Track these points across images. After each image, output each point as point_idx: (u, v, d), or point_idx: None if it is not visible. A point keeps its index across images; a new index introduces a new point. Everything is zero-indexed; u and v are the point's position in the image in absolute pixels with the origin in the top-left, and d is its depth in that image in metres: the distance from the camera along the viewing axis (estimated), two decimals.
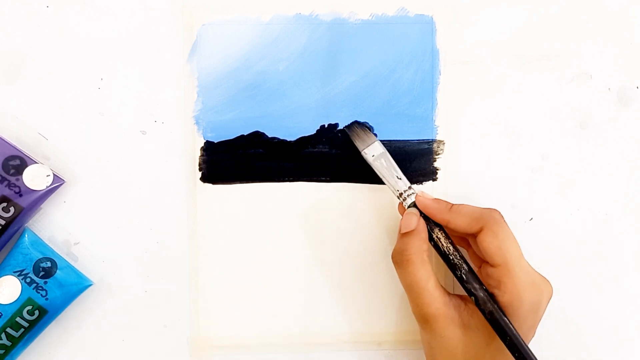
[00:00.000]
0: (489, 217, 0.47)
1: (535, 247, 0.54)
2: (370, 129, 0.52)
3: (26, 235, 0.50)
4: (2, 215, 0.49)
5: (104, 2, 0.52)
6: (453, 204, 0.48)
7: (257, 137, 0.52)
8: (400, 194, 0.49)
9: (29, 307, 0.49)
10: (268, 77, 0.52)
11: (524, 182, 0.54)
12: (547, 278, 0.48)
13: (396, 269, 0.48)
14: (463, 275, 0.47)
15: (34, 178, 0.50)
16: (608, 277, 0.54)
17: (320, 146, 0.53)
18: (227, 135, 0.52)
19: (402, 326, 0.53)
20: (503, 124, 0.53)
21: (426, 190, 0.53)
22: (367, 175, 0.53)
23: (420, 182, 0.53)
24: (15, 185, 0.49)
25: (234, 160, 0.52)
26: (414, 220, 0.48)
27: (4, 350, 0.49)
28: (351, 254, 0.53)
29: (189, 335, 0.52)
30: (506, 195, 0.53)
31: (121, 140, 0.52)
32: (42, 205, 0.51)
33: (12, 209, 0.49)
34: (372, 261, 0.53)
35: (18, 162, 0.50)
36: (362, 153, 0.50)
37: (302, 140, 0.53)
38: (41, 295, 0.49)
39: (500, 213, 0.48)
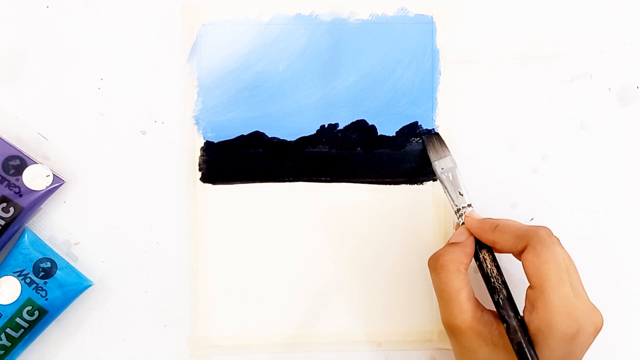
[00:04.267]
0: (534, 235, 0.45)
1: None
2: (445, 143, 0.52)
3: (26, 236, 0.50)
4: (2, 215, 0.49)
5: (104, 2, 0.52)
6: (499, 223, 0.47)
7: (257, 137, 0.52)
8: (458, 210, 0.49)
9: (29, 308, 0.49)
10: (268, 77, 0.52)
11: (524, 182, 0.54)
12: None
13: (431, 275, 0.47)
14: (500, 300, 0.46)
15: (33, 178, 0.50)
16: (608, 277, 0.54)
17: (320, 146, 0.53)
18: (227, 135, 0.52)
19: (402, 326, 0.53)
20: (503, 124, 0.53)
21: (426, 190, 0.53)
22: (367, 175, 0.53)
23: (420, 182, 0.53)
24: (15, 186, 0.49)
25: (234, 160, 0.52)
26: (464, 235, 0.48)
27: (3, 351, 0.49)
28: (351, 253, 0.53)
29: (189, 335, 0.52)
30: (506, 195, 0.53)
31: (121, 140, 0.52)
32: (42, 206, 0.51)
33: (12, 209, 0.49)
34: (373, 261, 0.53)
35: (18, 162, 0.50)
36: (433, 164, 0.51)
37: (302, 140, 0.53)
38: (41, 295, 0.49)
39: (549, 231, 0.46)
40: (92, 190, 0.52)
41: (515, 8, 0.53)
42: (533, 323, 0.44)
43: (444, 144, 0.51)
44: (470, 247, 0.48)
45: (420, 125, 0.53)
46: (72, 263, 0.51)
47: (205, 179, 0.52)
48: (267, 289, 0.53)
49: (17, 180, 0.49)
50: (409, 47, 0.53)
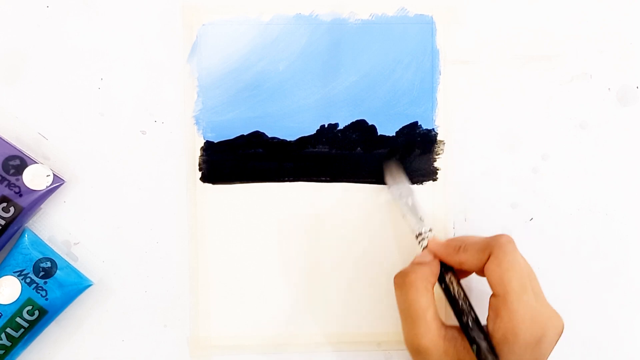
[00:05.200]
0: (495, 244, 0.45)
1: (535, 247, 0.54)
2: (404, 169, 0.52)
3: (26, 236, 0.50)
4: (2, 215, 0.49)
5: (104, 2, 0.52)
6: (462, 244, 0.47)
7: (257, 137, 0.52)
8: (419, 234, 0.49)
9: (29, 308, 0.49)
10: (268, 77, 0.52)
11: (524, 182, 0.54)
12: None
13: (396, 292, 0.47)
14: (469, 323, 0.46)
15: (34, 178, 0.50)
16: (608, 277, 0.54)
17: (320, 146, 0.53)
18: (227, 135, 0.52)
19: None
20: (503, 124, 0.53)
21: (426, 190, 0.53)
22: (367, 175, 0.53)
23: (420, 182, 0.53)
24: (15, 185, 0.49)
25: (234, 160, 0.52)
26: (429, 257, 0.48)
27: (3, 351, 0.49)
28: (351, 254, 0.53)
29: (189, 335, 0.52)
30: (506, 195, 0.53)
31: (121, 140, 0.52)
32: (42, 205, 0.51)
33: (12, 209, 0.49)
34: (372, 261, 0.53)
35: (18, 162, 0.50)
36: (390, 189, 0.51)
37: (302, 140, 0.53)
38: (41, 295, 0.49)
39: (508, 238, 0.46)
40: (92, 190, 0.52)
41: (515, 8, 0.53)
42: (498, 331, 0.44)
43: (402, 171, 0.52)
44: (436, 267, 0.47)
45: (420, 125, 0.53)
46: (72, 263, 0.51)
47: (205, 179, 0.52)
48: (267, 289, 0.53)
49: (17, 180, 0.50)
50: (409, 47, 0.53)
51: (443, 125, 0.53)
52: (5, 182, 0.49)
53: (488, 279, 0.45)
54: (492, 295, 0.45)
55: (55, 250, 0.51)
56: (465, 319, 0.46)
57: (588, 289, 0.54)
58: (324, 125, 0.53)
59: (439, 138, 0.53)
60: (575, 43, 0.53)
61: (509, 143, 0.53)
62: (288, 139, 0.52)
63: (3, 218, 0.49)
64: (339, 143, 0.53)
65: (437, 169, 0.53)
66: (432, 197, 0.53)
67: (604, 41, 0.54)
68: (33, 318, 0.49)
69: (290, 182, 0.53)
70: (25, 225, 0.51)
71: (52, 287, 0.50)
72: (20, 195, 0.49)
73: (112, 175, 0.52)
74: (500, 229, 0.53)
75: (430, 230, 0.49)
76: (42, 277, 0.50)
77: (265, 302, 0.53)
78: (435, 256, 0.48)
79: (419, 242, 0.49)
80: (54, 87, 0.52)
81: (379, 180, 0.53)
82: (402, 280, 0.46)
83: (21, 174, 0.50)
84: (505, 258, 0.45)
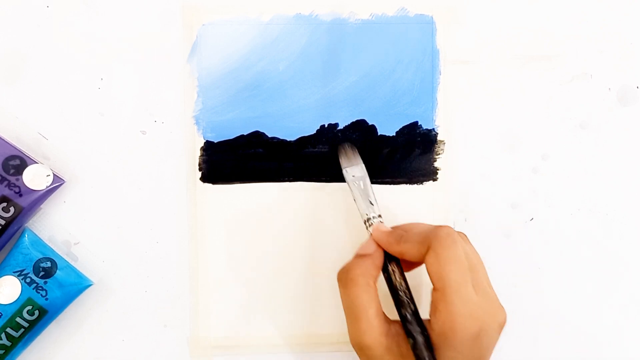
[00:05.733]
0: (434, 236, 0.44)
1: (535, 247, 0.54)
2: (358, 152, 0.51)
3: (26, 235, 0.50)
4: (2, 215, 0.49)
5: (104, 2, 0.52)
6: (404, 234, 0.46)
7: (257, 137, 0.52)
8: (368, 219, 0.48)
9: (29, 307, 0.49)
10: (268, 77, 0.52)
11: (524, 182, 0.54)
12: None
13: (339, 289, 0.46)
14: (407, 315, 0.45)
15: (34, 178, 0.50)
16: (608, 277, 0.54)
17: (320, 146, 0.53)
18: (227, 135, 0.52)
19: None
20: (503, 124, 0.53)
21: (426, 190, 0.53)
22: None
23: (420, 182, 0.53)
24: (15, 185, 0.49)
25: (234, 160, 0.52)
26: (373, 247, 0.47)
27: (3, 351, 0.49)
28: (351, 254, 0.53)
29: (189, 335, 0.52)
30: (506, 195, 0.53)
31: (121, 140, 0.52)
32: (42, 205, 0.51)
33: (12, 209, 0.49)
34: None
35: (18, 162, 0.50)
36: (344, 171, 0.50)
37: (302, 140, 0.53)
38: (41, 295, 0.49)
39: (449, 230, 0.45)
40: (92, 190, 0.52)
41: (515, 8, 0.53)
42: (436, 325, 0.43)
43: (357, 153, 0.51)
44: (379, 259, 0.46)
45: (421, 125, 0.53)
46: (72, 263, 0.51)
47: (205, 179, 0.52)
48: (267, 289, 0.53)
49: (17, 180, 0.49)
50: (409, 47, 0.53)
51: (443, 125, 0.53)
52: (5, 182, 0.49)
53: (428, 272, 0.44)
54: (433, 289, 0.44)
55: (55, 250, 0.51)
56: (404, 311, 0.45)
57: (588, 289, 0.54)
58: (324, 125, 0.53)
59: (439, 138, 0.53)
60: (575, 43, 0.53)
61: (509, 143, 0.53)
62: (288, 139, 0.52)
63: (3, 218, 0.49)
64: (339, 143, 0.53)
65: (437, 169, 0.53)
66: (432, 197, 0.53)
67: (604, 41, 0.54)
68: (33, 318, 0.49)
69: (290, 182, 0.53)
70: (25, 225, 0.51)
71: (52, 287, 0.50)
72: (20, 195, 0.49)
73: (112, 175, 0.52)
74: (500, 229, 0.53)
75: (379, 216, 0.48)
76: (42, 277, 0.50)
77: (265, 302, 0.53)
78: (378, 246, 0.47)
79: (367, 228, 0.48)
80: (54, 87, 0.52)
81: (379, 180, 0.53)
82: (344, 277, 0.46)
83: (21, 174, 0.50)
84: (444, 252, 0.43)
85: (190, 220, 0.52)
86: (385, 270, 0.47)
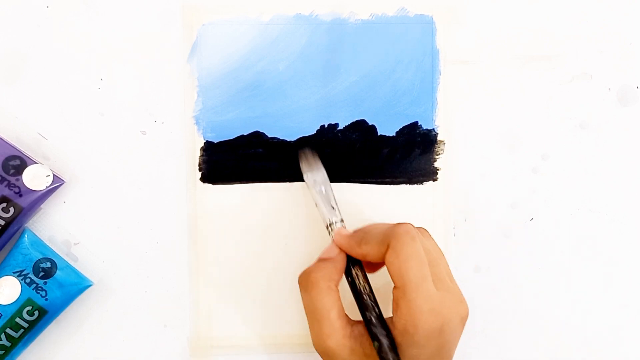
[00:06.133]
0: (392, 235, 0.44)
1: (535, 247, 0.54)
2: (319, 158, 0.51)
3: (26, 236, 0.50)
4: (2, 215, 0.49)
5: (103, 2, 0.52)
6: (364, 236, 0.46)
7: (257, 137, 0.52)
8: (330, 224, 0.48)
9: (29, 308, 0.49)
10: (268, 77, 0.52)
11: (524, 182, 0.54)
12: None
13: (301, 293, 0.46)
14: (372, 318, 0.45)
15: (33, 178, 0.50)
16: (608, 277, 0.54)
17: (320, 146, 0.53)
18: (227, 135, 0.52)
19: None
20: (503, 124, 0.53)
21: (426, 190, 0.53)
22: (367, 175, 0.53)
23: (420, 182, 0.53)
24: (15, 186, 0.49)
25: (234, 160, 0.52)
26: (335, 251, 0.47)
27: (3, 351, 0.49)
28: None
29: (189, 335, 0.52)
30: (506, 195, 0.54)
31: (121, 140, 0.52)
32: (42, 206, 0.51)
33: (12, 209, 0.49)
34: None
35: (18, 162, 0.50)
36: (305, 176, 0.50)
37: (302, 140, 0.53)
38: (41, 295, 0.49)
39: (407, 227, 0.45)
40: (92, 190, 0.52)
41: (515, 8, 0.53)
42: (399, 323, 0.43)
43: (318, 158, 0.51)
44: (341, 262, 0.46)
45: (421, 125, 0.53)
46: (72, 263, 0.51)
47: (205, 179, 0.52)
48: (267, 289, 0.53)
49: (17, 180, 0.49)
50: (409, 47, 0.53)
51: (443, 125, 0.53)
52: (5, 182, 0.49)
53: (388, 271, 0.44)
54: (394, 287, 0.44)
55: (55, 251, 0.51)
56: (368, 314, 0.45)
57: (588, 288, 0.54)
58: (324, 125, 0.53)
59: (439, 138, 0.53)
60: (575, 43, 0.53)
61: (509, 143, 0.53)
62: (288, 139, 0.52)
63: (3, 218, 0.49)
64: (339, 143, 0.53)
65: (437, 169, 0.53)
66: (432, 197, 0.53)
67: (604, 41, 0.54)
68: (33, 318, 0.49)
69: (290, 182, 0.53)
70: (25, 225, 0.51)
71: (52, 287, 0.50)
72: (20, 196, 0.49)
73: (112, 175, 0.52)
74: (500, 229, 0.53)
75: (341, 220, 0.48)
76: (42, 277, 0.50)
77: (265, 302, 0.53)
78: (341, 250, 0.47)
79: (330, 233, 0.48)
80: (54, 87, 0.52)
81: (379, 180, 0.53)
82: (305, 280, 0.46)
83: (21, 174, 0.50)
84: (403, 249, 0.44)
85: (190, 220, 0.52)
86: (348, 274, 0.47)
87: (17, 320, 0.49)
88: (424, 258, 0.44)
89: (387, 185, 0.53)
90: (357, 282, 0.46)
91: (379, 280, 0.49)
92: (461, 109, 0.53)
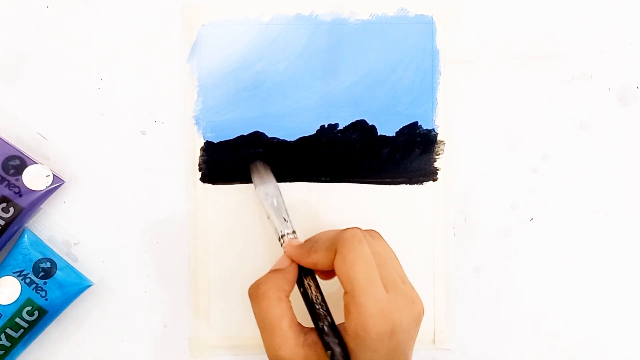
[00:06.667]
0: (340, 240, 0.44)
1: (535, 247, 0.54)
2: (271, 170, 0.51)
3: (26, 236, 0.50)
4: (1, 215, 0.49)
5: (103, 2, 0.52)
6: (314, 244, 0.46)
7: (257, 137, 0.52)
8: (282, 236, 0.48)
9: (29, 308, 0.49)
10: (268, 77, 0.52)
11: (524, 182, 0.54)
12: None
13: (251, 304, 0.46)
14: (325, 328, 0.45)
15: (33, 178, 0.50)
16: (608, 277, 0.54)
17: (320, 146, 0.53)
18: (227, 135, 0.52)
19: None
20: (503, 124, 0.53)
21: (426, 190, 0.53)
22: (367, 175, 0.53)
23: (420, 182, 0.53)
24: (15, 186, 0.49)
25: (234, 160, 0.52)
26: (286, 262, 0.47)
27: (3, 351, 0.49)
28: None
29: (189, 335, 0.52)
30: (506, 195, 0.54)
31: (121, 140, 0.52)
32: (42, 206, 0.51)
33: (11, 209, 0.49)
34: None
35: (18, 162, 0.50)
36: (257, 190, 0.50)
37: (302, 140, 0.53)
38: (41, 295, 0.49)
39: (354, 232, 0.45)
40: (92, 190, 0.52)
41: (515, 8, 0.53)
42: (350, 328, 0.43)
43: (270, 171, 0.51)
44: (292, 273, 0.47)
45: (420, 125, 0.53)
46: (72, 263, 0.51)
47: (205, 179, 0.52)
48: None
49: (17, 180, 0.49)
50: (409, 47, 0.53)
51: (443, 125, 0.53)
52: (5, 182, 0.49)
53: (337, 276, 0.44)
54: (344, 293, 0.44)
55: (55, 251, 0.51)
56: (321, 324, 0.45)
57: (588, 288, 0.54)
58: (324, 125, 0.53)
59: (439, 138, 0.53)
60: (575, 43, 0.53)
61: (509, 143, 0.53)
62: (288, 139, 0.52)
63: (3, 218, 0.49)
64: (339, 143, 0.53)
65: (437, 169, 0.53)
66: (432, 197, 0.53)
67: (604, 41, 0.54)
68: (33, 318, 0.49)
69: (290, 182, 0.53)
70: (25, 225, 0.51)
71: (52, 288, 0.50)
72: (20, 196, 0.49)
73: (112, 175, 0.52)
74: (500, 229, 0.53)
75: (293, 232, 0.49)
76: (41, 278, 0.50)
77: None
78: (292, 261, 0.47)
79: (282, 245, 0.49)
80: (54, 87, 0.52)
81: (379, 180, 0.53)
82: (254, 292, 0.46)
83: (21, 174, 0.50)
84: (350, 254, 0.44)
85: (190, 220, 0.52)
86: (301, 285, 0.47)
87: (17, 320, 0.49)
88: (371, 261, 0.44)
89: (387, 185, 0.53)
90: (309, 292, 0.46)
91: (334, 287, 0.49)
92: (461, 109, 0.53)
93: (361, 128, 0.53)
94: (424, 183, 0.53)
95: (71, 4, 0.52)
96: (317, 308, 0.46)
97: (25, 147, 0.51)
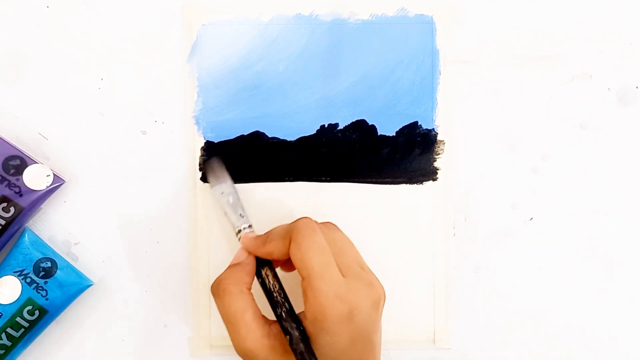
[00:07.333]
0: (293, 229, 0.45)
1: (535, 247, 0.54)
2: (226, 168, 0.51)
3: (26, 235, 0.50)
4: (2, 215, 0.49)
5: (104, 2, 0.52)
6: (269, 234, 0.47)
7: (257, 137, 0.52)
8: (239, 231, 0.49)
9: (29, 307, 0.49)
10: (268, 77, 0.52)
11: (524, 182, 0.54)
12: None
13: (214, 301, 0.46)
14: (282, 314, 0.45)
15: (34, 178, 0.50)
16: (608, 277, 0.54)
17: (320, 146, 0.53)
18: (227, 135, 0.52)
19: (402, 326, 0.53)
20: (503, 124, 0.53)
21: (426, 190, 0.53)
22: (367, 175, 0.53)
23: (420, 182, 0.53)
24: (15, 185, 0.49)
25: (234, 160, 0.52)
26: (244, 255, 0.48)
27: (4, 351, 0.49)
28: None
29: (189, 335, 0.52)
30: (506, 195, 0.53)
31: (121, 140, 0.52)
32: (42, 205, 0.51)
33: (12, 209, 0.49)
34: (372, 261, 0.53)
35: (18, 162, 0.50)
36: (213, 189, 0.50)
37: (302, 140, 0.53)
38: (41, 295, 0.49)
39: (306, 221, 0.46)
40: (92, 190, 0.52)
41: (515, 8, 0.53)
42: (308, 312, 0.44)
43: (224, 169, 0.51)
44: (250, 265, 0.47)
45: (420, 125, 0.53)
46: (72, 263, 0.51)
47: (205, 179, 0.52)
48: None
49: (17, 180, 0.50)
50: (409, 47, 0.53)
51: (443, 125, 0.53)
52: (6, 182, 0.49)
53: (293, 263, 0.45)
54: (301, 280, 0.45)
55: (56, 250, 0.51)
56: (279, 310, 0.46)
57: (588, 288, 0.54)
58: (324, 125, 0.53)
59: (439, 138, 0.53)
60: (575, 43, 0.53)
61: (509, 143, 0.53)
62: (288, 139, 0.52)
63: (3, 218, 0.49)
64: (339, 143, 0.53)
65: (437, 169, 0.53)
66: (432, 197, 0.53)
67: (604, 41, 0.53)
68: (33, 318, 0.49)
69: (290, 182, 0.53)
70: (26, 225, 0.51)
71: (52, 287, 0.50)
72: (21, 195, 0.49)
73: (112, 175, 0.52)
74: (500, 229, 0.53)
75: (249, 226, 0.49)
76: (42, 277, 0.50)
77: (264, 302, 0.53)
78: (249, 253, 0.48)
79: (240, 239, 0.49)
80: (54, 87, 0.52)
81: (379, 180, 0.53)
82: (216, 288, 0.46)
83: (21, 174, 0.50)
84: (304, 241, 0.44)
85: (190, 220, 0.52)
86: (259, 275, 0.47)
87: (18, 319, 0.49)
88: (326, 247, 0.45)
89: (387, 185, 0.53)
90: (267, 281, 0.47)
91: (294, 279, 0.49)
92: (461, 109, 0.53)
93: (361, 128, 0.53)
94: (424, 183, 0.53)
95: (71, 4, 0.52)
96: (274, 296, 0.46)
97: (25, 147, 0.51)
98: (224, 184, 0.50)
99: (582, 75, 0.53)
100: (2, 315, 0.49)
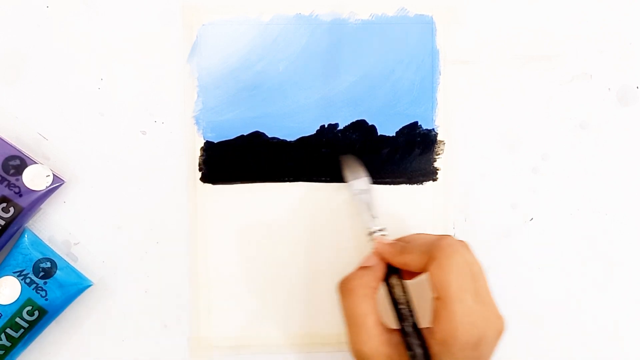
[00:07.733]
0: (436, 247, 0.45)
1: (535, 247, 0.54)
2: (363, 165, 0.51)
3: (26, 236, 0.50)
4: (2, 215, 0.49)
5: (103, 2, 0.52)
6: (407, 245, 0.47)
7: (257, 137, 0.52)
8: (371, 233, 0.49)
9: (29, 308, 0.49)
10: (268, 77, 0.52)
11: (524, 182, 0.54)
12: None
13: (340, 299, 0.47)
14: (408, 328, 0.45)
15: (33, 178, 0.50)
16: (608, 277, 0.54)
17: (320, 146, 0.53)
18: (227, 135, 0.52)
19: None
20: (503, 124, 0.53)
21: (426, 190, 0.53)
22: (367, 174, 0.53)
23: (420, 182, 0.53)
24: (15, 186, 0.49)
25: (234, 160, 0.52)
26: (375, 259, 0.48)
27: (3, 351, 0.49)
28: (351, 253, 0.53)
29: (189, 335, 0.52)
30: (506, 195, 0.54)
31: (121, 140, 0.52)
32: (42, 206, 0.51)
33: (12, 209, 0.49)
34: None
35: (18, 162, 0.50)
36: (349, 184, 0.50)
37: (302, 140, 0.53)
38: (41, 295, 0.49)
39: (450, 239, 0.46)
40: (92, 190, 0.52)
41: (515, 8, 0.53)
42: (438, 333, 0.44)
43: (362, 165, 0.51)
44: (380, 271, 0.47)
45: (420, 125, 0.53)
46: (72, 263, 0.51)
47: (205, 179, 0.52)
48: (267, 289, 0.53)
49: (17, 180, 0.49)
50: (409, 47, 0.53)
51: (443, 125, 0.53)
52: (5, 182, 0.49)
53: (430, 281, 0.45)
54: (435, 298, 0.45)
55: (55, 251, 0.51)
56: (404, 324, 0.46)
57: (588, 288, 0.54)
58: (324, 125, 0.53)
59: (439, 138, 0.53)
60: (575, 43, 0.53)
61: (509, 143, 0.53)
62: (288, 139, 0.52)
63: (3, 218, 0.49)
64: (339, 143, 0.53)
65: (437, 169, 0.53)
66: (432, 197, 0.53)
67: (604, 41, 0.54)
68: (33, 318, 0.49)
69: (290, 182, 0.53)
70: (25, 225, 0.51)
71: (52, 287, 0.50)
72: (20, 196, 0.49)
73: (112, 175, 0.52)
74: (500, 229, 0.53)
75: (381, 229, 0.49)
76: (42, 278, 0.50)
77: (264, 302, 0.53)
78: (381, 258, 0.48)
79: (370, 241, 0.49)
80: (54, 87, 0.52)
81: (379, 180, 0.53)
82: (343, 287, 0.46)
83: (21, 174, 0.50)
84: (446, 261, 0.44)
85: (190, 220, 0.52)
86: (386, 282, 0.47)
87: (17, 320, 0.49)
88: (467, 271, 0.45)
89: (387, 185, 0.53)
90: (394, 291, 0.47)
91: (416, 290, 0.49)
92: (461, 109, 0.53)
93: (361, 128, 0.53)
94: (424, 183, 0.53)
95: (71, 4, 0.52)
96: (401, 308, 0.46)
97: (25, 147, 0.51)
98: (360, 180, 0.50)
99: (582, 75, 0.54)
100: (1, 315, 0.49)
